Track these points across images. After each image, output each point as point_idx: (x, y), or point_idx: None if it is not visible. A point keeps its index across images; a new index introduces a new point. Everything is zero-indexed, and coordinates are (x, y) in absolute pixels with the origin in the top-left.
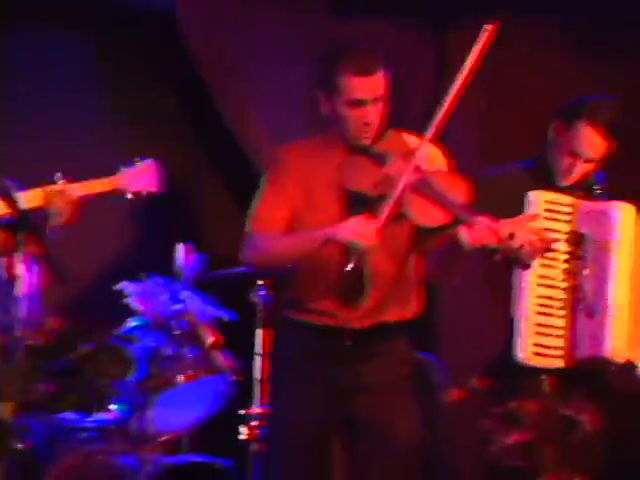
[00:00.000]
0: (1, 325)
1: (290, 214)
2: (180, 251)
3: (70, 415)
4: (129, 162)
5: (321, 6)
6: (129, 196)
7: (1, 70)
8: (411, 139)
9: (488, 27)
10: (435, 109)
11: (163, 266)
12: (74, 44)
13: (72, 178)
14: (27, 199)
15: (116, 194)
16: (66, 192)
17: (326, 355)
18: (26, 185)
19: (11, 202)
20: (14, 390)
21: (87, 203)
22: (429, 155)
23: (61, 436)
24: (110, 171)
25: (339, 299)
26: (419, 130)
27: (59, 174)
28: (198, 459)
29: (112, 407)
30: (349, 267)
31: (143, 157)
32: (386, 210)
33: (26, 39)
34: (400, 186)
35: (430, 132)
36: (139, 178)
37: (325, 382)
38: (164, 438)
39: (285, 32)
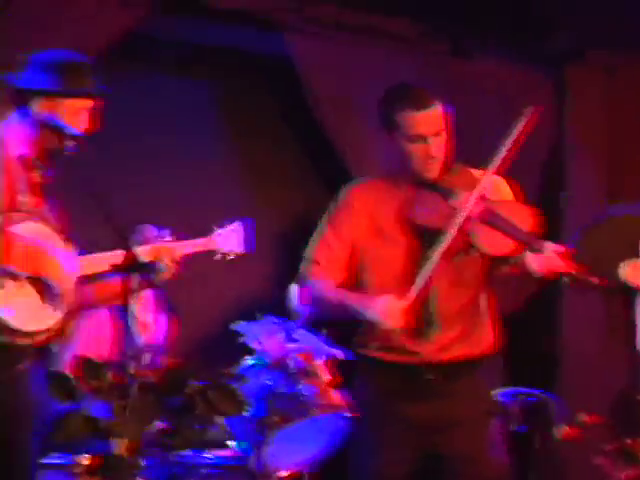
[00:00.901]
0: (117, 363)
1: (348, 254)
2: (294, 291)
3: (190, 453)
4: (220, 224)
5: (441, 47)
6: (218, 257)
7: (130, 115)
8: (478, 173)
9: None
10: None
11: (278, 306)
12: (195, 90)
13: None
14: (139, 253)
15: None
16: (173, 250)
17: (407, 392)
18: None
19: (130, 253)
20: (130, 427)
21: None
22: (494, 185)
23: (182, 474)
24: (235, 215)
25: (411, 336)
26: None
27: (167, 231)
28: None
29: (231, 444)
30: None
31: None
32: (441, 251)
33: (149, 85)
34: (464, 216)
35: (495, 163)
36: (229, 240)
37: (407, 421)
38: (283, 475)
39: (404, 72)
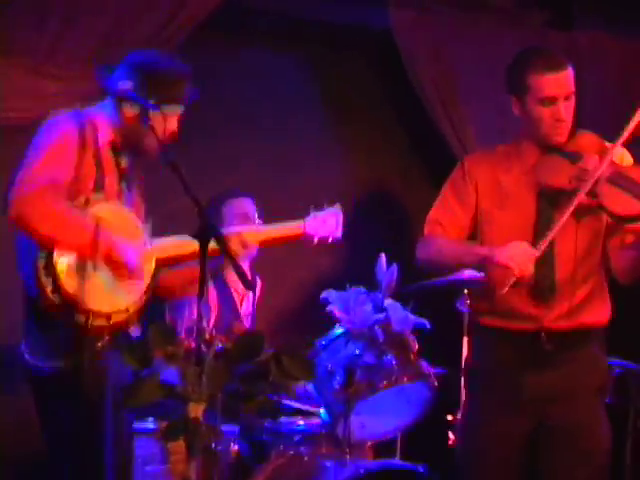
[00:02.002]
0: (192, 330)
1: (470, 219)
2: (382, 262)
3: (279, 421)
4: (315, 209)
5: (541, 18)
6: (315, 242)
7: (224, 87)
8: (601, 140)
9: None
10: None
11: (366, 277)
12: (291, 64)
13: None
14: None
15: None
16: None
17: (523, 361)
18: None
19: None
20: (205, 393)
21: None
22: (620, 154)
23: (271, 441)
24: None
25: (532, 300)
26: None
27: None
28: (396, 464)
29: (320, 412)
30: (504, 290)
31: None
32: (573, 207)
33: (244, 58)
34: (595, 177)
35: (624, 134)
36: (325, 225)
37: (523, 391)
38: (372, 443)
39: (503, 45)
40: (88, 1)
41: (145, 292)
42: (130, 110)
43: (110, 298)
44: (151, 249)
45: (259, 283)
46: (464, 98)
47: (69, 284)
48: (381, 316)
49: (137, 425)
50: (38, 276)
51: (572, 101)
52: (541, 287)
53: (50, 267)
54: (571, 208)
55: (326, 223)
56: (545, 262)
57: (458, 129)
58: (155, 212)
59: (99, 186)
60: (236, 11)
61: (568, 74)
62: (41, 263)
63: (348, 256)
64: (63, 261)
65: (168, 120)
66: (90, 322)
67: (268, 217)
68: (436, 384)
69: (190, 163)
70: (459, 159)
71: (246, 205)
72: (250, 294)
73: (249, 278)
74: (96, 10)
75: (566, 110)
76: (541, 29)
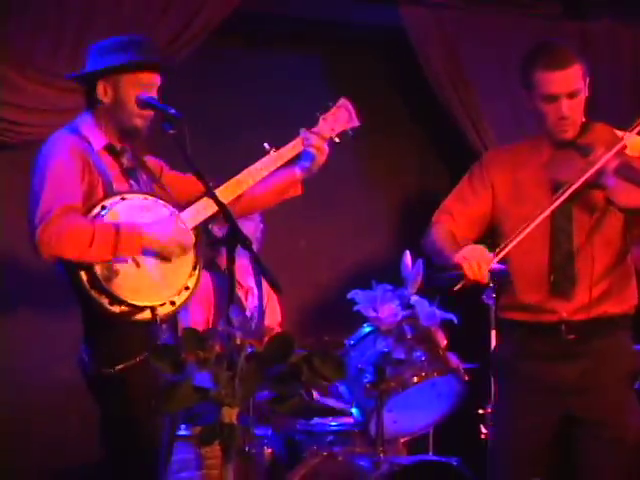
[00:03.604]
0: (223, 334)
1: (482, 213)
2: (407, 258)
3: (312, 421)
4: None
5: (553, 9)
6: (337, 139)
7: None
8: (614, 131)
9: None
10: None
11: (391, 273)
12: (308, 65)
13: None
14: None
15: (325, 141)
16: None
17: (548, 353)
18: None
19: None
20: (238, 396)
21: None
22: (634, 144)
23: (304, 441)
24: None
25: (553, 294)
26: None
27: (266, 145)
28: (430, 459)
29: (353, 411)
30: (456, 288)
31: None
32: (566, 195)
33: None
34: (596, 167)
35: (637, 124)
36: (339, 119)
37: (548, 383)
38: (405, 439)
39: (517, 37)
40: (103, 11)
41: (195, 263)
42: (105, 93)
43: (166, 284)
44: (184, 221)
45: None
46: (479, 92)
47: (122, 291)
48: (409, 312)
49: None
50: (89, 296)
51: (579, 98)
52: (561, 281)
53: (96, 282)
54: (564, 196)
55: (340, 116)
56: (565, 256)
57: (475, 123)
58: None
59: (109, 191)
60: (252, 15)
61: (571, 72)
62: (85, 282)
63: (372, 253)
64: (106, 272)
65: (143, 91)
66: (158, 315)
67: (284, 217)
68: (466, 378)
69: (211, 163)
70: (477, 153)
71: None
72: (256, 288)
73: (278, 282)
74: (112, 19)
75: (569, 107)
76: (554, 21)
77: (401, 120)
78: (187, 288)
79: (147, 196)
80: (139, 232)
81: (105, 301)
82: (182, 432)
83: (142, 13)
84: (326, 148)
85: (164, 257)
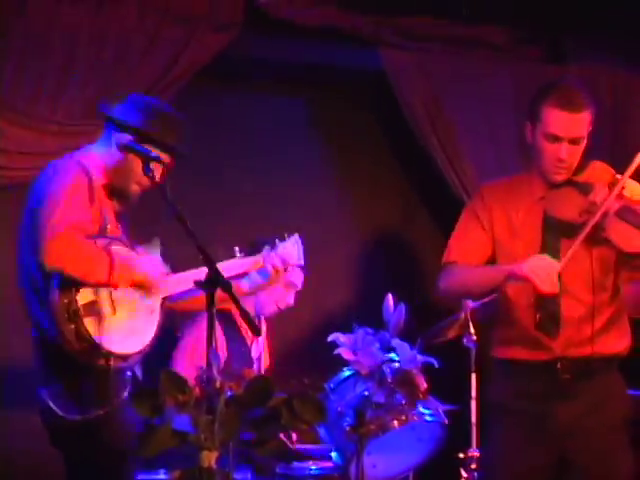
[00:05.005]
0: (203, 378)
1: (485, 246)
2: (389, 301)
3: (291, 465)
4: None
5: (535, 53)
6: (283, 271)
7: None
8: (612, 171)
9: None
10: None
11: (370, 317)
12: (291, 109)
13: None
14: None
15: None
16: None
17: (544, 393)
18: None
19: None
20: (217, 440)
21: None
22: (632, 187)
23: None
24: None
25: (538, 330)
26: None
27: (237, 248)
28: None
29: (332, 455)
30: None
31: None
32: (581, 239)
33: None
34: (602, 210)
35: (633, 165)
36: (291, 253)
37: (544, 425)
38: None
39: (499, 80)
40: (85, 53)
41: (157, 329)
42: (124, 150)
43: (129, 339)
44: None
45: (264, 325)
46: (460, 135)
47: (91, 329)
48: (389, 356)
49: (148, 476)
50: (59, 322)
51: (580, 145)
52: (545, 320)
53: (73, 313)
54: (579, 240)
55: (291, 251)
56: (551, 297)
57: (455, 165)
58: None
59: (103, 229)
60: (235, 58)
61: (581, 118)
62: (63, 310)
63: (353, 296)
64: (85, 306)
65: (155, 167)
66: (111, 365)
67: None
68: (446, 421)
69: (190, 206)
70: (459, 198)
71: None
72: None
73: (257, 324)
74: (93, 61)
75: (569, 152)
76: (535, 64)
77: (384, 162)
78: (142, 351)
79: (130, 250)
80: (133, 264)
81: (70, 334)
82: (161, 477)
83: (124, 56)
84: (282, 273)
85: (150, 293)
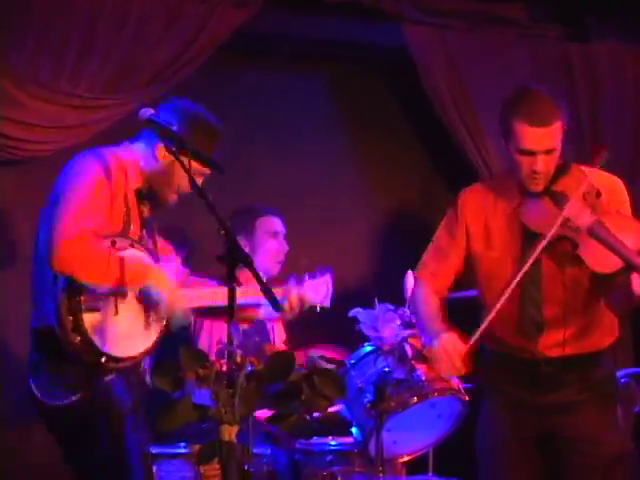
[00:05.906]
0: (224, 353)
1: (455, 265)
2: (409, 278)
3: (311, 440)
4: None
5: (556, 31)
6: (306, 308)
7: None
8: (590, 179)
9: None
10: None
11: (390, 293)
12: (310, 85)
13: None
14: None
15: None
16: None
17: (529, 384)
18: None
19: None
20: (238, 414)
21: None
22: (611, 186)
23: (304, 460)
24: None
25: (524, 336)
26: None
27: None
28: (430, 479)
29: (352, 431)
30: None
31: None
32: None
33: (263, 82)
34: (565, 219)
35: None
36: (318, 292)
37: (528, 405)
38: (405, 459)
39: (518, 58)
40: (105, 29)
41: (157, 339)
42: (166, 156)
43: (125, 344)
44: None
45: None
46: (482, 112)
47: (90, 325)
48: (410, 332)
49: (169, 449)
50: (60, 313)
51: (556, 153)
52: (528, 327)
53: (74, 306)
54: (539, 251)
55: (318, 290)
56: (532, 302)
57: (477, 142)
58: None
59: (125, 232)
60: (255, 34)
61: (552, 130)
62: (65, 301)
63: (373, 272)
64: (88, 301)
65: (197, 177)
66: (103, 363)
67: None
68: (467, 398)
69: (208, 181)
70: (480, 172)
71: (277, 224)
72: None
73: (279, 300)
74: (113, 37)
75: (545, 163)
76: (558, 42)
77: (403, 139)
78: (136, 357)
79: (150, 257)
80: (147, 267)
81: (69, 326)
82: (181, 450)
83: (145, 31)
84: (297, 311)
85: (156, 302)
